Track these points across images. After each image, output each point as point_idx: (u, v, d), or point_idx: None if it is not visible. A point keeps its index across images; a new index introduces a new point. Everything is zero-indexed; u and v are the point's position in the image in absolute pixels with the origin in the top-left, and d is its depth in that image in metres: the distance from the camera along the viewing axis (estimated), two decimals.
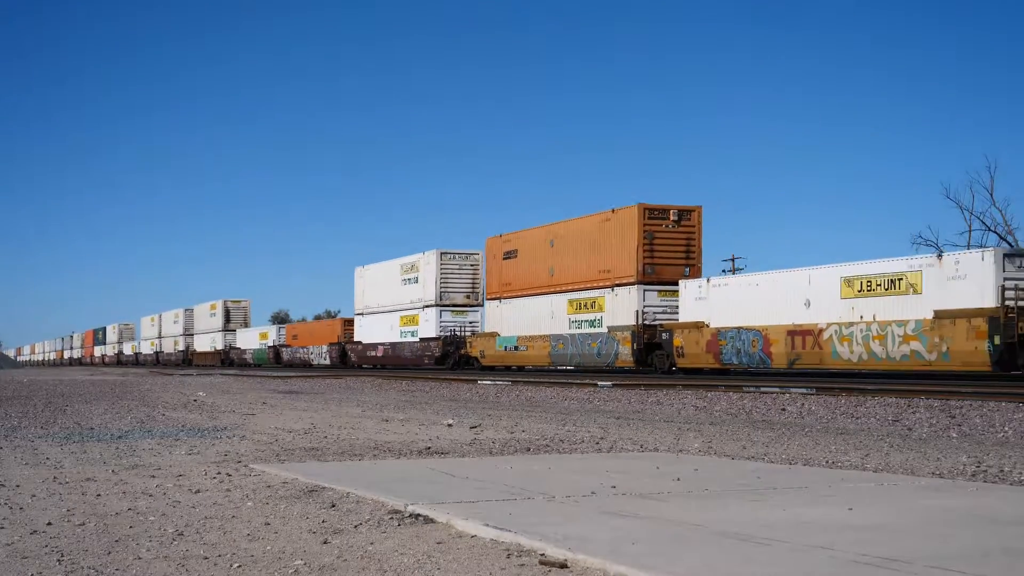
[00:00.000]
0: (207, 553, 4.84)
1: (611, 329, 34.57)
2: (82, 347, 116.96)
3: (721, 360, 30.05)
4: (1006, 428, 12.52)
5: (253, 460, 8.89)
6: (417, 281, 47.78)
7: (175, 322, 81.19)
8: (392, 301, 49.94)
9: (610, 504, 5.92)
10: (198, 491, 6.88)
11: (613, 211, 35.38)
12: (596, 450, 9.92)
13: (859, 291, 26.19)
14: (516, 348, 40.32)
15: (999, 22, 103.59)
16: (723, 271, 58.98)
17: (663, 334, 32.14)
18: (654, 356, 32.83)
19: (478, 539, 5.00)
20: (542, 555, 4.55)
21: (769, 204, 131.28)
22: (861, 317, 26.02)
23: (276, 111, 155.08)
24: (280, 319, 70.39)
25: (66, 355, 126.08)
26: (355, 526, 5.45)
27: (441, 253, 46.88)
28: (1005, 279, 23.14)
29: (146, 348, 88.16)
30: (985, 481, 7.49)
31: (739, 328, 29.38)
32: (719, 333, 29.95)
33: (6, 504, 6.38)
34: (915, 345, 24.70)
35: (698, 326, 30.70)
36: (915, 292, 24.85)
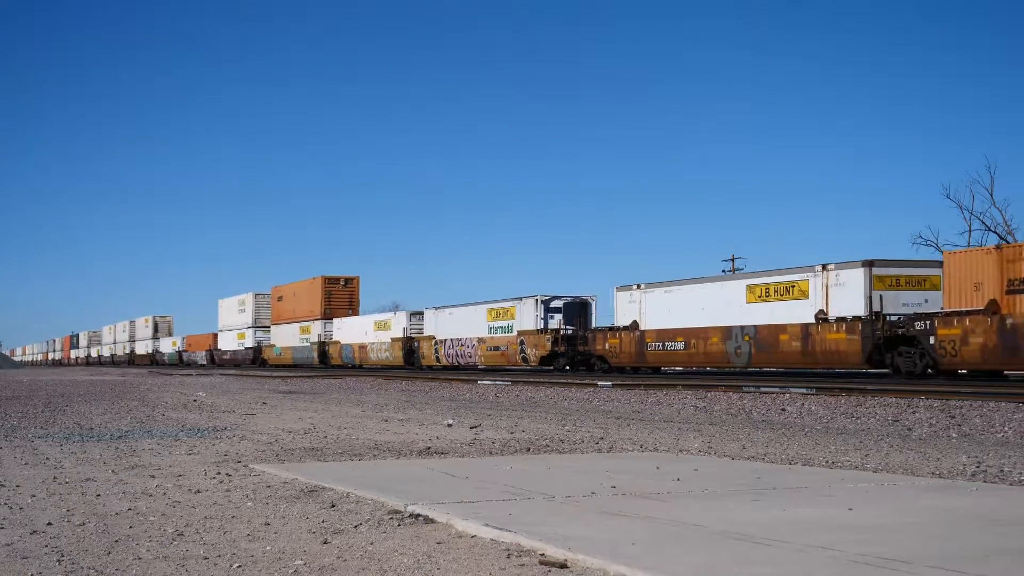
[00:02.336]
0: (207, 553, 4.84)
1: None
2: (62, 350, 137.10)
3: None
4: (1006, 428, 12.52)
5: (253, 460, 8.89)
6: (245, 311, 70.86)
7: (124, 331, 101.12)
8: (239, 323, 72.27)
9: (610, 504, 5.92)
10: (198, 491, 6.88)
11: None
12: (596, 450, 9.92)
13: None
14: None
15: (999, 22, 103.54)
16: (723, 271, 59.01)
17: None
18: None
19: (478, 539, 5.00)
20: (542, 555, 4.55)
21: (769, 204, 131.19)
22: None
23: (274, 111, 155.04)
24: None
25: (50, 356, 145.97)
26: (355, 526, 5.45)
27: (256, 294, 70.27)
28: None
29: (106, 352, 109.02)
30: (985, 481, 7.49)
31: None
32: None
33: (6, 504, 6.38)
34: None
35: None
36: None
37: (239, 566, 4.56)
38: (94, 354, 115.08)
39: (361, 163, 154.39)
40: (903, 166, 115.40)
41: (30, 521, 5.74)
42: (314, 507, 6.10)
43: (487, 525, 5.14)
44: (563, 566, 4.35)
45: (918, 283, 27.26)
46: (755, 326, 29.80)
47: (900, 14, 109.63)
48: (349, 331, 55.65)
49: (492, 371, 40.09)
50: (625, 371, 34.77)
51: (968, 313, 23.85)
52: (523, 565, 4.42)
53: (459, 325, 45.24)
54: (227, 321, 74.28)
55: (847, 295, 27.28)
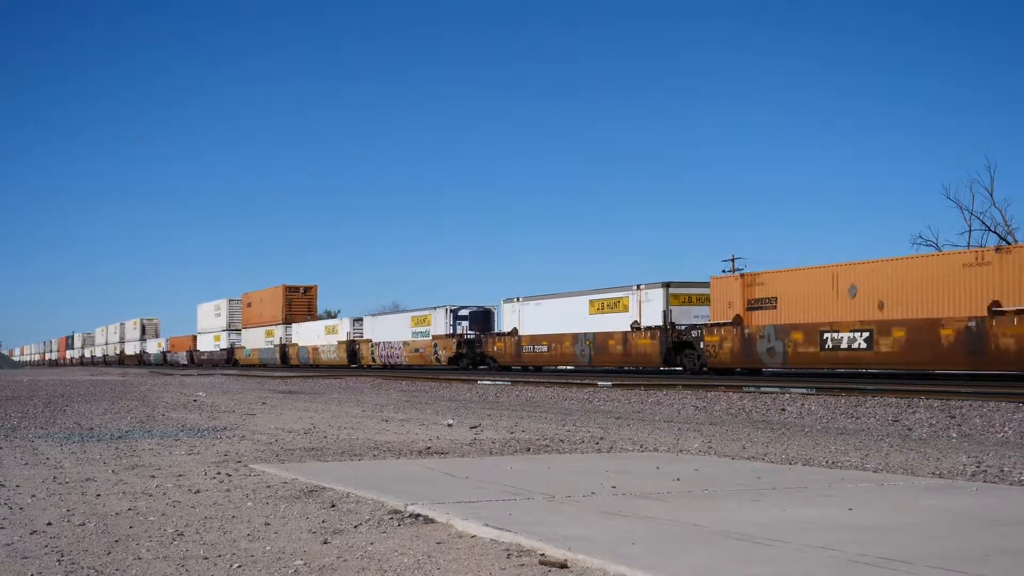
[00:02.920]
0: (207, 553, 4.84)
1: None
2: (58, 350, 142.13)
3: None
4: (1006, 428, 12.52)
5: (253, 460, 8.89)
6: (220, 315, 77.74)
7: (115, 333, 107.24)
8: (215, 326, 78.60)
9: (610, 504, 5.92)
10: (198, 491, 6.88)
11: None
12: (596, 450, 9.92)
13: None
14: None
15: (999, 22, 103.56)
16: (723, 271, 59.11)
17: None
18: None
19: (478, 539, 5.00)
20: (542, 555, 4.55)
21: (768, 204, 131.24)
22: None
23: (267, 114, 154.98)
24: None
25: (47, 357, 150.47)
26: (355, 526, 5.45)
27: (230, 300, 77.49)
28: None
29: (99, 352, 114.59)
30: (985, 481, 7.49)
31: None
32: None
33: (6, 504, 6.38)
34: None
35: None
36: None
37: (239, 566, 4.56)
38: (87, 355, 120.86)
39: (353, 167, 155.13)
40: (903, 166, 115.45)
41: (30, 521, 5.74)
42: (314, 507, 6.10)
43: (487, 525, 5.15)
44: (563, 566, 4.35)
45: (704, 300, 33.68)
46: (593, 333, 37.45)
47: (900, 14, 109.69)
48: (305, 335, 62.47)
49: (415, 368, 48.23)
50: (509, 369, 42.26)
51: (723, 324, 31.40)
52: (523, 565, 4.42)
53: (389, 330, 53.19)
54: (205, 324, 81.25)
55: (653, 309, 34.93)
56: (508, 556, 4.59)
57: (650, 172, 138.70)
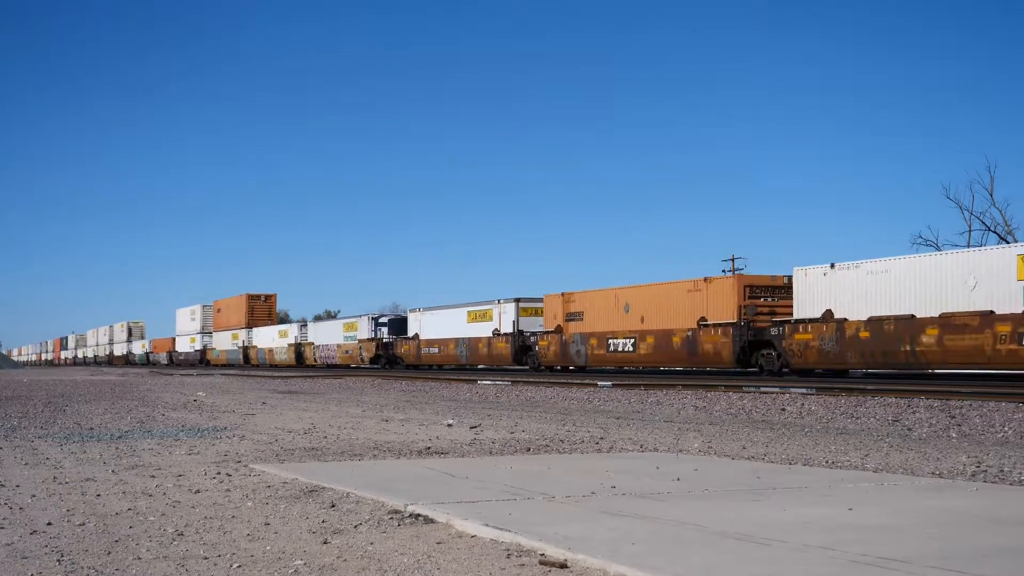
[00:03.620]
0: (207, 553, 4.84)
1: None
2: (53, 351, 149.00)
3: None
4: (1006, 428, 12.52)
5: (253, 460, 8.89)
6: (195, 319, 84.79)
7: (104, 335, 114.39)
8: (191, 329, 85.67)
9: (610, 504, 5.92)
10: (198, 491, 6.88)
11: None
12: (596, 450, 9.92)
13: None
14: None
15: (999, 22, 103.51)
16: (723, 271, 59.13)
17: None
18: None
19: (478, 539, 5.00)
20: (542, 555, 4.55)
21: (769, 204, 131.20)
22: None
23: (268, 114, 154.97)
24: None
25: (43, 357, 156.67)
26: (355, 526, 5.45)
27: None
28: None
29: (90, 353, 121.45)
30: (985, 481, 7.49)
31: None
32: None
33: (6, 504, 6.38)
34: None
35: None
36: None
37: (239, 566, 4.56)
38: (80, 355, 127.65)
39: (323, 180, 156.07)
40: (903, 166, 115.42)
41: (30, 521, 5.74)
42: (314, 507, 6.10)
43: (487, 525, 5.14)
44: (563, 566, 4.35)
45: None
46: (468, 338, 45.71)
47: (900, 14, 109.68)
48: (263, 338, 70.04)
49: (345, 367, 55.58)
50: (414, 368, 50.00)
51: (550, 332, 39.78)
52: (523, 565, 4.42)
53: (327, 334, 61.17)
54: (182, 327, 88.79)
55: (508, 320, 43.10)
56: (508, 556, 4.59)
57: (650, 172, 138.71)
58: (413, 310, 52.02)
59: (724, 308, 31.22)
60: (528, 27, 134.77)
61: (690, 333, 32.28)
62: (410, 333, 51.26)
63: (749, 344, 30.57)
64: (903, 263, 26.56)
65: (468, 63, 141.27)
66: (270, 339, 68.70)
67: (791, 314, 29.40)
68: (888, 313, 26.25)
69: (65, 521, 5.74)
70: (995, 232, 47.96)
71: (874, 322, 26.35)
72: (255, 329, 71.95)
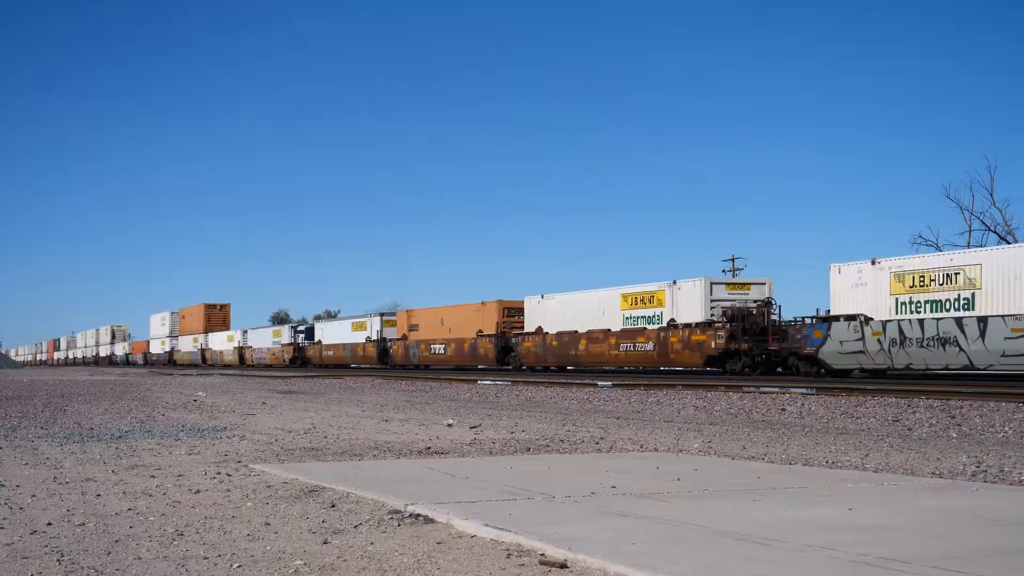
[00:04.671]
0: (207, 553, 4.84)
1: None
2: (47, 352, 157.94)
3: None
4: (1006, 428, 12.52)
5: (253, 460, 8.89)
6: (165, 325, 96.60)
7: (92, 337, 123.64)
8: (162, 333, 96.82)
9: (610, 504, 5.92)
10: (198, 491, 6.88)
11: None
12: (596, 450, 9.92)
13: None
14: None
15: (999, 22, 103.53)
16: (723, 271, 59.18)
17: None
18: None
19: (478, 539, 5.00)
20: (542, 555, 4.55)
21: (769, 204, 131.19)
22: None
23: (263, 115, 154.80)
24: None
25: (38, 357, 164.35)
26: (355, 526, 5.45)
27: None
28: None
29: (79, 354, 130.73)
30: (985, 481, 7.49)
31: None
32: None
33: (6, 504, 6.38)
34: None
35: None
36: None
37: (239, 566, 4.56)
38: (71, 356, 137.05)
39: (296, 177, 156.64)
40: (903, 166, 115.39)
41: (30, 521, 5.74)
42: (314, 507, 6.10)
43: (487, 525, 5.14)
44: (563, 566, 4.35)
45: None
46: (352, 343, 58.01)
47: (900, 14, 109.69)
48: (216, 342, 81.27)
49: (273, 367, 65.45)
50: (324, 367, 58.33)
51: (398, 340, 52.52)
52: (523, 565, 4.42)
53: (261, 339, 72.75)
54: (155, 332, 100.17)
55: (375, 330, 56.05)
56: (508, 556, 4.59)
57: (649, 172, 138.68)
58: (318, 319, 67.37)
59: (492, 323, 45.30)
60: (527, 27, 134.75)
61: (474, 340, 46.13)
62: (315, 339, 63.93)
63: (502, 349, 44.04)
64: (576, 296, 40.10)
65: (473, 63, 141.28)
66: (221, 343, 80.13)
67: (523, 328, 43.32)
68: (567, 330, 39.70)
69: (65, 521, 5.74)
70: (995, 232, 47.97)
71: (561, 335, 40.06)
72: (211, 334, 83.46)
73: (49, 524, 5.64)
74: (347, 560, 4.65)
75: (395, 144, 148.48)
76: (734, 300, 33.90)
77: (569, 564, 4.37)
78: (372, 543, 4.99)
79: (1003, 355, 24.19)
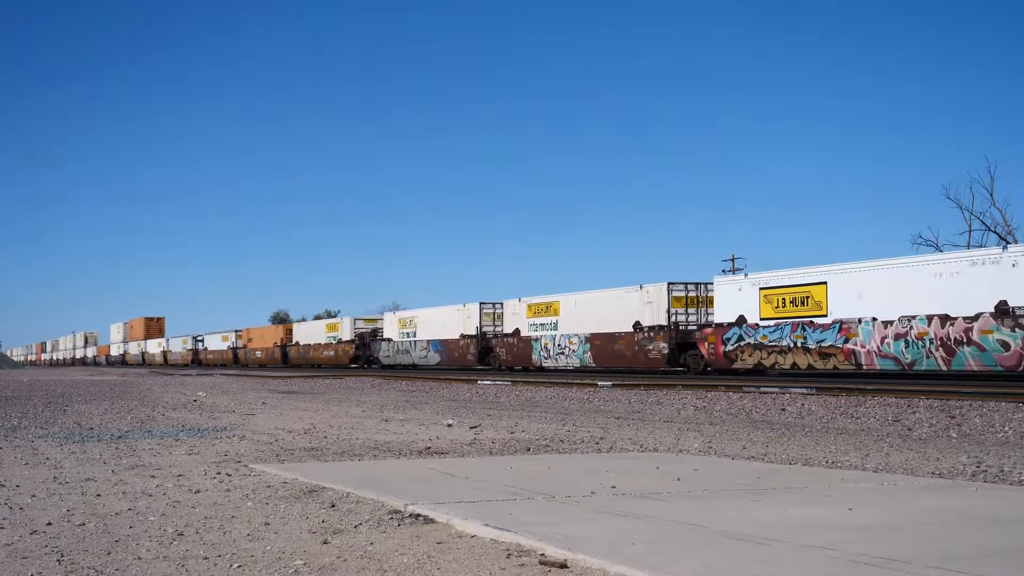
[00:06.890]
0: (207, 553, 4.84)
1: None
2: (36, 353, 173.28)
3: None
4: (1006, 428, 12.52)
5: (253, 460, 8.89)
6: (120, 332, 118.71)
7: (69, 341, 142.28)
8: (118, 339, 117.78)
9: (610, 504, 5.92)
10: (198, 491, 6.88)
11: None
12: (596, 450, 9.92)
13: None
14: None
15: (999, 23, 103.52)
16: (723, 271, 59.19)
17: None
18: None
19: (478, 539, 4.99)
20: (542, 555, 4.55)
21: (769, 204, 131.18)
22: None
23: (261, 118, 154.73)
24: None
25: (28, 359, 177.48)
26: (355, 526, 5.45)
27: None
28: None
29: (60, 356, 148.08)
30: (985, 481, 7.49)
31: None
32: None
33: (6, 504, 6.38)
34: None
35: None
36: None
37: (239, 566, 4.56)
38: (54, 358, 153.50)
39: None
40: (903, 166, 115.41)
41: (30, 521, 5.74)
42: (314, 507, 6.10)
43: (487, 525, 5.14)
44: (563, 566, 4.35)
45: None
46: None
47: (900, 14, 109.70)
48: (151, 347, 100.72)
49: (221, 364, 77.39)
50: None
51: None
52: (523, 565, 4.42)
53: (213, 342, 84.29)
54: (113, 338, 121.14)
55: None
56: (508, 556, 4.59)
57: (650, 172, 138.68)
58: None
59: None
60: (528, 26, 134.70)
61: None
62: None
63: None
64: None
65: (475, 63, 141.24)
66: (154, 347, 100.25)
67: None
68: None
69: (65, 521, 5.74)
70: (995, 232, 47.96)
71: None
72: (148, 340, 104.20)
73: (49, 524, 5.64)
74: (347, 560, 4.65)
75: (395, 144, 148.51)
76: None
77: (569, 564, 4.37)
78: (372, 543, 4.99)
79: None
